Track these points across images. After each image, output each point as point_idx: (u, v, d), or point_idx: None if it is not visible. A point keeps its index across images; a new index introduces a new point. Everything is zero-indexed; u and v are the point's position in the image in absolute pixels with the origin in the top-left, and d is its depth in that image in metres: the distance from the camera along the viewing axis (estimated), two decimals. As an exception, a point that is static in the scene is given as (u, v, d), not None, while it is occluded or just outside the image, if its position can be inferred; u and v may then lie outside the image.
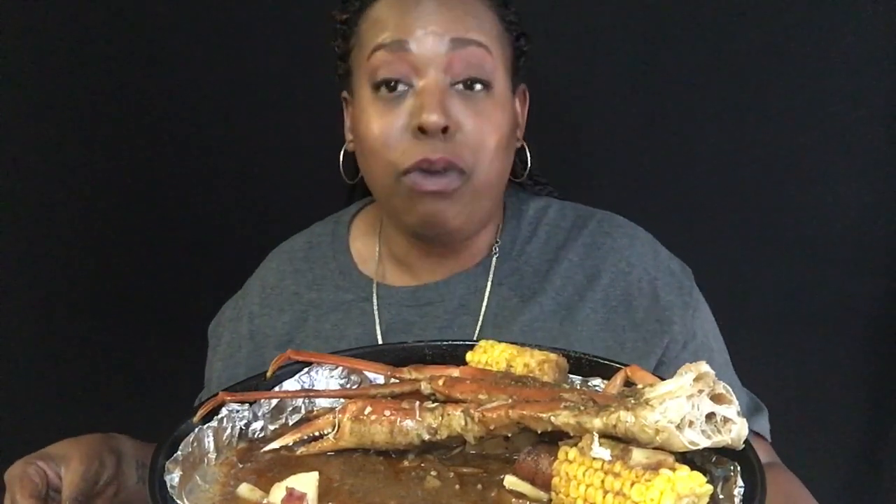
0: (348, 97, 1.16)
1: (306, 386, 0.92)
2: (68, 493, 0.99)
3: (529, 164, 1.19)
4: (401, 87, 1.05)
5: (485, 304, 1.15)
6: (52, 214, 1.68)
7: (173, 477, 0.74)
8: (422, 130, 1.03)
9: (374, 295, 1.18)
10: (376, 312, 1.17)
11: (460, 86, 1.05)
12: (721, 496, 0.71)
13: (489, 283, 1.16)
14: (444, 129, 1.03)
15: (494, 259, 1.17)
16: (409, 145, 1.04)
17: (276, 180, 1.62)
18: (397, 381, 0.89)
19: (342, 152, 1.19)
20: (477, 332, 1.12)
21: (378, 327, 1.15)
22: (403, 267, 1.19)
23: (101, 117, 1.63)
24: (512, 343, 0.92)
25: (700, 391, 0.68)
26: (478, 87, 1.06)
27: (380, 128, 1.06)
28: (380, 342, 1.14)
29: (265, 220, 1.64)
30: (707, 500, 0.66)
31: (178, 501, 0.71)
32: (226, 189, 1.66)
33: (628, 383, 0.83)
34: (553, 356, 0.89)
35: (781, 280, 1.54)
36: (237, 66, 1.59)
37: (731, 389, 0.70)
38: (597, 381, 0.89)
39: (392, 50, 1.05)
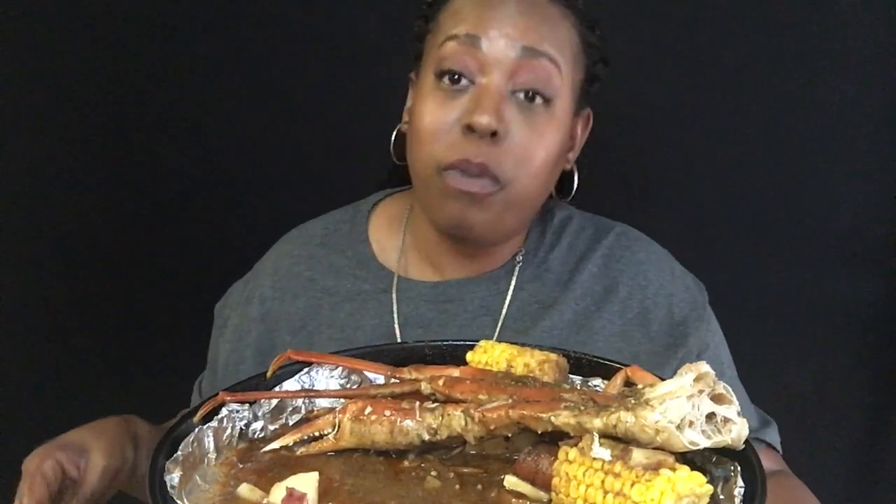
0: (414, 79, 1.16)
1: (306, 386, 0.92)
2: (85, 491, 0.98)
3: (575, 188, 1.19)
4: (463, 82, 1.05)
5: (506, 307, 1.15)
6: (59, 200, 1.68)
7: (173, 477, 0.74)
8: (470, 129, 1.03)
9: (394, 287, 1.18)
10: (395, 304, 1.16)
11: (521, 94, 1.05)
12: (721, 496, 0.71)
13: (511, 288, 1.16)
14: (494, 134, 1.02)
15: (518, 264, 1.17)
16: (454, 141, 1.04)
17: (283, 165, 1.62)
18: (397, 381, 0.89)
19: (395, 132, 1.19)
20: (496, 334, 1.12)
21: (396, 319, 1.15)
22: (428, 261, 1.19)
23: (113, 96, 1.64)
24: (512, 343, 0.92)
25: (700, 391, 0.68)
26: (538, 100, 1.05)
27: (433, 117, 1.06)
28: (397, 334, 1.14)
29: (268, 208, 1.64)
30: (707, 500, 0.66)
31: (178, 501, 0.71)
32: (230, 175, 1.66)
33: (628, 383, 0.83)
34: (553, 356, 0.89)
35: (781, 280, 1.54)
36: (252, 51, 1.59)
37: (731, 389, 0.70)
38: (597, 381, 0.89)
39: (463, 43, 1.05)
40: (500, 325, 1.13)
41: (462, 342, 0.96)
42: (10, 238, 1.68)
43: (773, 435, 1.18)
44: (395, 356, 0.94)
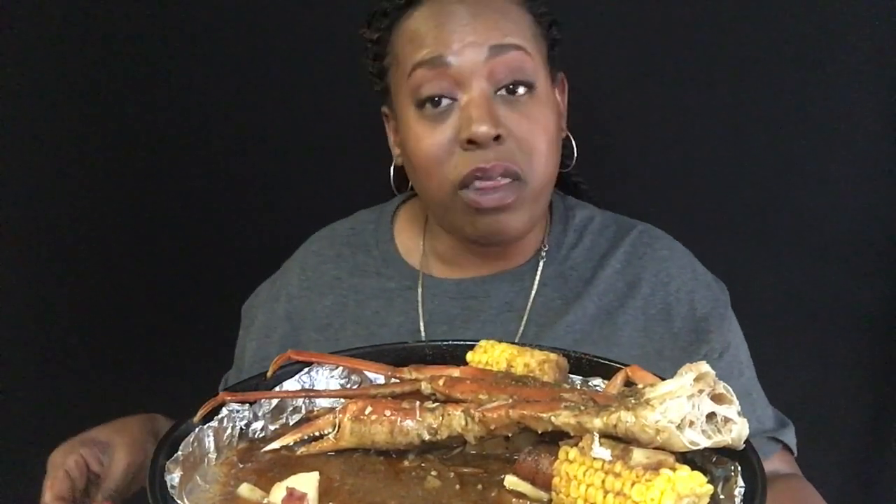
0: (389, 112, 1.16)
1: (306, 386, 0.92)
2: (108, 486, 0.99)
3: (576, 154, 1.19)
4: (445, 102, 1.05)
5: (530, 303, 1.15)
6: (76, 201, 1.69)
7: (173, 477, 0.74)
8: (472, 142, 1.03)
9: (420, 284, 1.18)
10: (420, 302, 1.17)
11: (503, 91, 1.05)
12: (721, 496, 0.71)
13: (536, 284, 1.17)
14: (496, 138, 1.03)
15: (542, 261, 1.18)
16: (460, 158, 1.04)
17: (307, 169, 1.62)
18: (397, 381, 0.89)
19: (392, 168, 1.19)
20: (521, 330, 1.13)
21: (421, 317, 1.16)
22: (449, 262, 1.20)
23: (136, 98, 1.64)
24: (512, 343, 0.92)
25: (700, 391, 0.68)
26: (521, 90, 1.06)
27: (429, 145, 1.06)
28: (422, 331, 1.15)
29: (291, 208, 1.64)
30: (707, 500, 0.66)
31: (179, 501, 0.71)
32: (254, 178, 1.67)
33: (629, 383, 0.83)
34: (553, 356, 0.89)
35: (781, 280, 1.54)
36: (277, 49, 1.60)
37: (731, 389, 0.70)
38: (597, 381, 0.89)
39: (432, 66, 1.05)
40: (525, 320, 1.14)
41: (462, 342, 0.96)
42: (22, 237, 1.68)
43: (789, 436, 1.17)
44: (396, 356, 0.94)
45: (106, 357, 1.73)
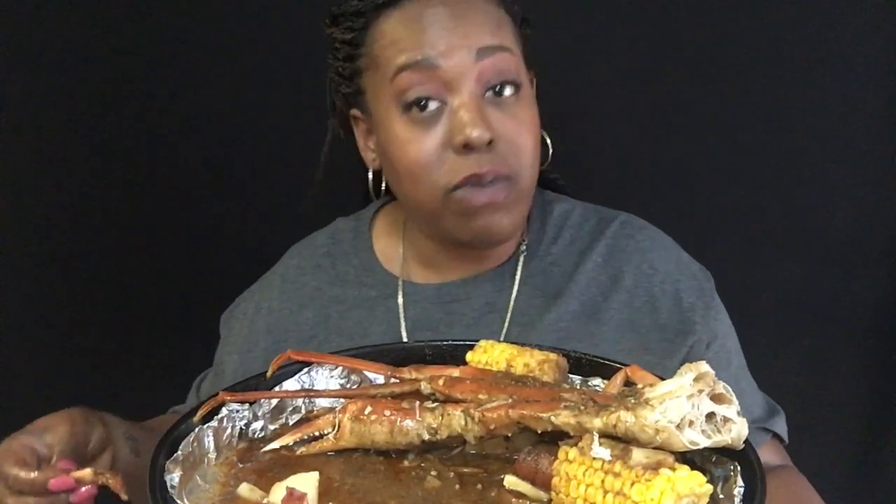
0: (360, 116, 1.14)
1: (306, 386, 0.92)
2: (59, 449, 0.93)
3: (551, 151, 1.17)
4: (432, 105, 1.03)
5: (512, 303, 1.14)
6: (60, 210, 1.68)
7: (173, 477, 0.74)
8: (467, 147, 1.02)
9: (400, 292, 1.17)
10: (401, 309, 1.16)
11: (490, 93, 1.04)
12: (721, 496, 0.71)
13: (516, 283, 1.15)
14: (490, 142, 1.02)
15: (521, 259, 1.17)
16: (453, 163, 1.03)
17: (287, 177, 1.62)
18: (397, 381, 0.89)
19: (371, 173, 1.17)
20: (504, 330, 1.12)
21: (403, 324, 1.15)
22: (429, 265, 1.18)
23: (116, 105, 1.64)
24: (512, 343, 0.92)
25: (700, 391, 0.68)
26: (508, 91, 1.05)
27: (417, 150, 1.04)
28: (404, 339, 1.13)
29: (274, 217, 1.63)
30: (707, 499, 0.66)
31: (179, 501, 0.71)
32: (235, 186, 1.66)
33: (628, 383, 0.83)
34: (553, 356, 0.89)
35: (781, 280, 1.54)
36: (256, 60, 1.60)
37: (730, 389, 0.70)
38: (597, 381, 0.89)
39: (420, 68, 1.02)
40: (507, 321, 1.13)
41: (462, 342, 0.96)
42: (13, 239, 1.68)
43: (780, 425, 1.16)
44: (395, 356, 0.94)
45: (103, 358, 1.73)
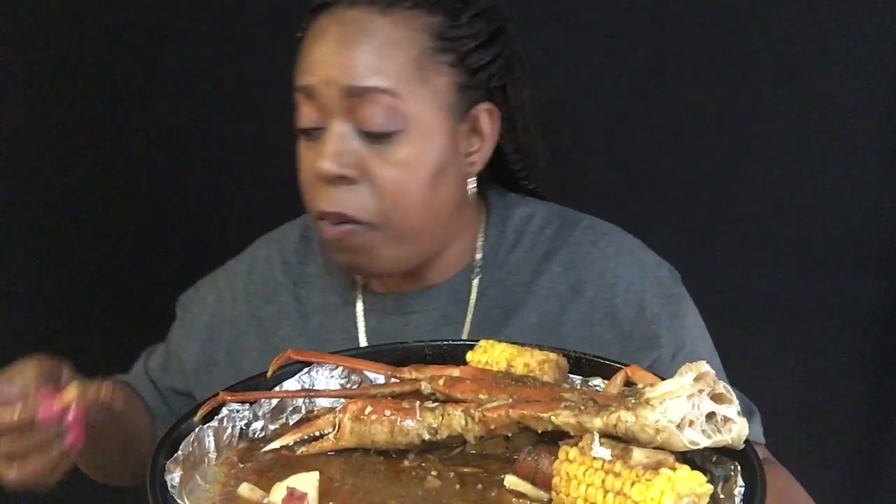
0: None
1: (306, 386, 0.92)
2: (35, 387, 0.85)
3: (475, 187, 1.10)
4: (315, 131, 1.02)
5: (469, 315, 1.11)
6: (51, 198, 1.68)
7: (173, 477, 0.74)
8: (321, 179, 1.00)
9: (360, 300, 1.15)
10: (360, 318, 1.14)
11: (366, 133, 0.99)
12: (721, 496, 0.71)
13: (473, 296, 1.12)
14: (344, 178, 0.99)
15: (477, 269, 1.13)
16: (317, 191, 1.02)
17: (259, 172, 1.62)
18: (397, 380, 0.89)
19: None
20: None
21: (362, 334, 1.13)
22: (384, 278, 1.15)
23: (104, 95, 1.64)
24: (512, 343, 0.92)
25: (700, 391, 0.68)
26: (385, 135, 0.99)
27: (303, 169, 1.04)
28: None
29: (248, 207, 1.63)
30: (707, 499, 0.66)
31: (179, 501, 0.71)
32: (233, 183, 1.66)
33: (628, 383, 0.83)
34: (553, 356, 0.89)
35: (781, 280, 1.54)
36: (233, 63, 1.59)
37: (731, 389, 0.70)
38: (597, 381, 0.89)
39: (304, 95, 1.01)
40: (465, 333, 1.10)
41: (462, 342, 0.96)
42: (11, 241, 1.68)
43: (756, 429, 1.13)
44: (395, 356, 0.94)
45: (105, 358, 1.73)
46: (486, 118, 1.07)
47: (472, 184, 1.10)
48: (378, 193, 1.00)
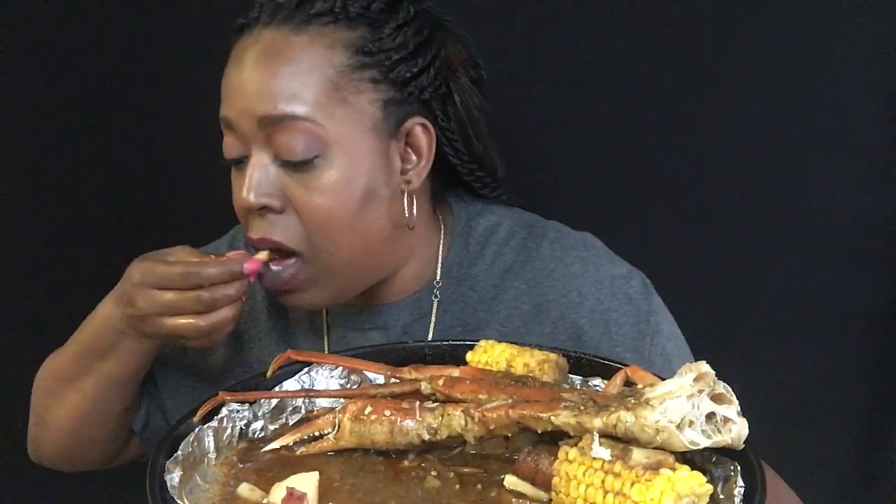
0: None
1: (306, 386, 0.92)
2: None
3: (415, 212, 1.02)
4: (243, 160, 0.99)
5: (430, 333, 1.08)
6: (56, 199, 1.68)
7: (173, 477, 0.74)
8: (244, 209, 0.98)
9: (324, 312, 1.12)
10: (325, 328, 1.11)
11: (285, 161, 0.95)
12: (721, 496, 0.71)
13: (434, 312, 1.09)
14: (265, 208, 0.96)
15: (438, 285, 1.09)
16: (248, 220, 0.99)
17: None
18: (397, 381, 0.89)
19: None
20: None
21: (326, 345, 1.11)
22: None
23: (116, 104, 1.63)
24: (512, 343, 0.92)
25: (700, 391, 0.68)
26: (306, 162, 0.95)
27: (235, 198, 1.01)
28: None
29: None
30: (707, 499, 0.66)
31: (179, 501, 0.71)
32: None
33: (628, 383, 0.83)
34: (553, 356, 0.89)
35: (781, 280, 1.54)
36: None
37: (730, 389, 0.70)
38: (597, 381, 0.89)
39: (224, 125, 0.99)
40: None
41: (462, 342, 0.96)
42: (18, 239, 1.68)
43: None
44: (395, 356, 0.94)
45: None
46: (421, 132, 1.01)
47: (415, 201, 1.03)
48: (304, 222, 0.96)
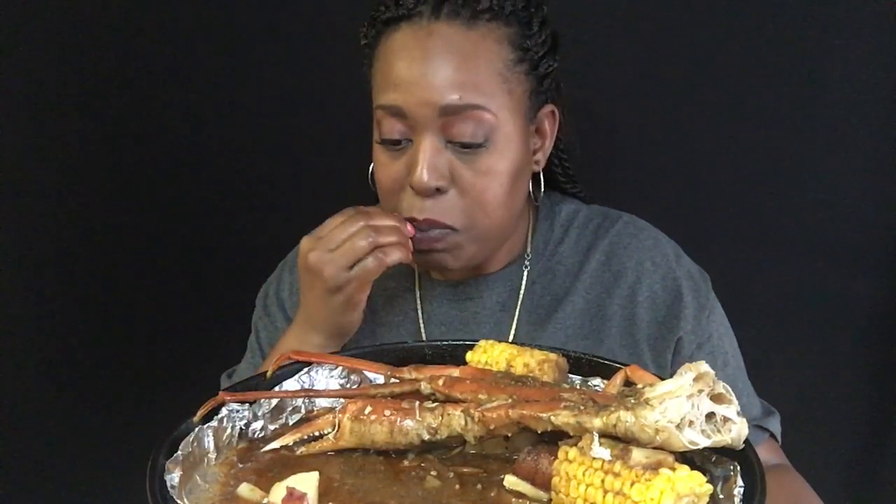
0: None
1: (306, 386, 0.92)
2: None
3: (542, 191, 1.18)
4: (403, 141, 1.06)
5: (520, 302, 1.18)
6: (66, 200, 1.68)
7: (173, 477, 0.74)
8: (414, 189, 1.05)
9: (417, 286, 1.22)
10: (419, 302, 1.20)
11: (457, 144, 1.05)
12: (721, 496, 0.71)
13: (524, 283, 1.19)
14: (438, 189, 1.05)
15: (528, 260, 1.20)
16: (407, 197, 1.07)
17: (308, 168, 1.62)
18: (397, 381, 0.89)
19: (371, 167, 1.18)
20: (513, 329, 1.17)
21: (420, 318, 1.20)
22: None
23: (136, 97, 1.64)
24: (512, 343, 0.92)
25: (700, 391, 0.68)
26: (476, 145, 1.05)
27: (385, 176, 1.09)
28: (422, 331, 1.18)
29: (279, 215, 1.64)
30: (707, 499, 0.66)
31: (179, 501, 0.71)
32: (244, 183, 1.67)
33: (628, 383, 0.83)
34: (553, 356, 0.89)
35: (781, 280, 1.54)
36: (233, 63, 1.59)
37: (730, 389, 0.70)
38: (597, 381, 0.89)
39: (390, 113, 1.05)
40: (516, 319, 1.17)
41: (462, 342, 0.96)
42: (22, 238, 1.68)
43: (775, 424, 1.20)
44: (395, 356, 0.94)
45: (105, 358, 1.73)
46: (550, 121, 1.15)
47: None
48: (465, 199, 1.06)
